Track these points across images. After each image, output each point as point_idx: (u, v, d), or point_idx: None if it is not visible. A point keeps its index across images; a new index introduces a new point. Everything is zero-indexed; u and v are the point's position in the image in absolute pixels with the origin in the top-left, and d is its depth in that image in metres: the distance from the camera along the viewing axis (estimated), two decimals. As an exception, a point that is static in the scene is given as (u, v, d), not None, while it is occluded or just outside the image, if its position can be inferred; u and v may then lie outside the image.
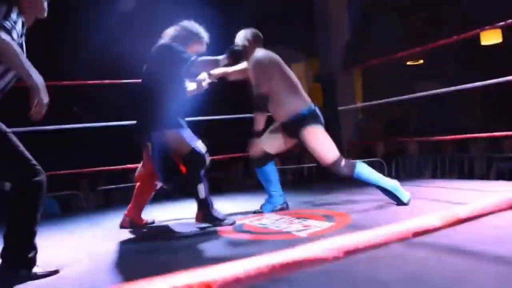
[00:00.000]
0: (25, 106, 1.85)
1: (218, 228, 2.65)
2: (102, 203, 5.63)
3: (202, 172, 2.69)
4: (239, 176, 6.94)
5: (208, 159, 2.75)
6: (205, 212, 2.69)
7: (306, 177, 6.46)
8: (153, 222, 3.12)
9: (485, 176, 5.62)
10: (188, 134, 2.74)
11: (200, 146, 2.73)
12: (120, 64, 6.97)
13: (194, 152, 2.68)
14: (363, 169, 2.93)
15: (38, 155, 1.99)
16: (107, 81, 4.53)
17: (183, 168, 2.72)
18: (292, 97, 3.01)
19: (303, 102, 3.02)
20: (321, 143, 2.96)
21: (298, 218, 2.75)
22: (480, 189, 3.37)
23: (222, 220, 2.71)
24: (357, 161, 3.05)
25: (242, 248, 2.24)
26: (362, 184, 3.91)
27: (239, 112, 4.97)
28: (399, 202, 2.88)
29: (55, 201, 5.11)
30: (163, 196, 4.10)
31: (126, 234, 2.83)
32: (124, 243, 2.59)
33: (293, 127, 3.00)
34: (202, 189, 2.67)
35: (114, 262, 2.18)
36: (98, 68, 6.66)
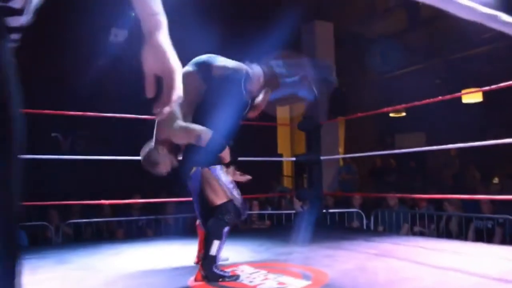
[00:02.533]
0: None
1: (190, 280, 2.53)
2: (73, 237, 5.44)
3: (227, 228, 2.50)
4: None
5: (245, 213, 2.61)
6: (207, 272, 2.45)
7: (284, 223, 6.37)
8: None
9: (463, 234, 5.62)
10: (225, 180, 2.57)
11: (237, 197, 2.56)
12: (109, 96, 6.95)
13: (228, 207, 2.51)
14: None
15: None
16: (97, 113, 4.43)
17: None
18: None
19: None
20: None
21: (274, 273, 2.65)
22: (460, 252, 3.33)
23: (225, 277, 2.49)
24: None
25: None
26: (343, 238, 3.87)
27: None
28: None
29: (23, 232, 4.92)
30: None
31: (93, 279, 2.69)
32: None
33: None
34: (216, 246, 2.45)
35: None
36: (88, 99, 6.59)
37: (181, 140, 2.61)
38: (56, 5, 5.01)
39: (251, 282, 2.47)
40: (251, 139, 6.61)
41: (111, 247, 3.89)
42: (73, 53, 6.68)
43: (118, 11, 6.52)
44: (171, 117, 2.50)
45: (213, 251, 2.44)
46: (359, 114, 5.19)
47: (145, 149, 2.67)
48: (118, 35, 6.87)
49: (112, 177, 6.55)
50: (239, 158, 2.83)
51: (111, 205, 5.99)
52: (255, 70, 2.75)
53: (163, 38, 0.98)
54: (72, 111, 4.25)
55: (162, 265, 3.01)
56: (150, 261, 3.17)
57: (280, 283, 2.41)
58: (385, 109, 4.99)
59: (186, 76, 2.60)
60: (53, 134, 7.84)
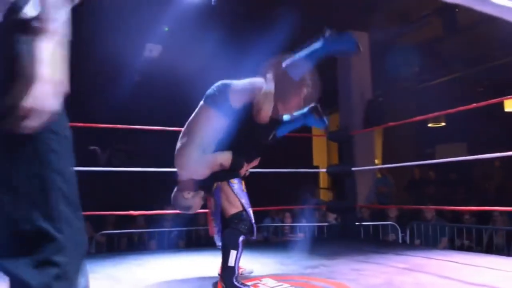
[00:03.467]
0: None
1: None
2: (105, 247, 5.55)
3: (243, 238, 2.47)
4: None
5: (255, 230, 2.57)
6: (227, 284, 2.41)
7: (317, 235, 6.27)
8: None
9: (505, 250, 5.36)
10: (243, 194, 2.57)
11: (251, 212, 2.54)
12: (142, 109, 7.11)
13: (243, 216, 2.49)
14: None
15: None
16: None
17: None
18: None
19: None
20: None
21: (296, 286, 2.59)
22: (497, 268, 3.16)
23: None
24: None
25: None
26: (374, 251, 3.76)
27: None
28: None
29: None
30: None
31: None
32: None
33: None
34: (234, 257, 2.41)
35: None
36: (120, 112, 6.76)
37: (204, 175, 2.60)
38: (93, 21, 5.19)
39: (270, 295, 2.42)
40: (286, 151, 6.59)
41: (139, 257, 3.93)
42: (109, 68, 6.87)
43: (152, 27, 6.68)
44: (186, 158, 2.53)
45: (231, 262, 2.41)
46: (392, 123, 5.05)
47: (174, 195, 2.70)
48: (153, 50, 7.03)
49: (146, 189, 6.65)
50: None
51: (144, 217, 6.08)
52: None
53: (44, 43, 0.90)
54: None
55: (186, 276, 3.00)
56: (175, 272, 3.17)
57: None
58: (423, 117, 4.83)
59: (203, 113, 2.60)
60: (91, 147, 8.06)
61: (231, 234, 2.45)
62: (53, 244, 0.93)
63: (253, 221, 2.53)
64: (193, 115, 2.67)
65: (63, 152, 0.99)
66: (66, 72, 0.93)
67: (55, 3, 0.93)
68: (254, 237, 2.59)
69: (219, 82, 2.65)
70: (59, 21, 0.93)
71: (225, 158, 2.52)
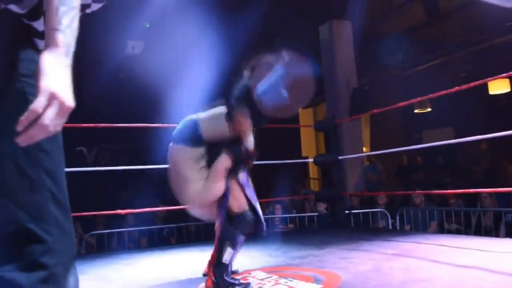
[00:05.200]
0: None
1: (200, 286, 2.50)
2: (96, 247, 5.51)
3: (242, 238, 2.43)
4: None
5: (264, 229, 2.51)
6: (218, 280, 2.38)
7: (307, 225, 6.29)
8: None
9: (493, 231, 5.42)
10: (250, 191, 2.54)
11: (259, 210, 2.51)
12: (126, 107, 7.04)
13: (246, 217, 2.45)
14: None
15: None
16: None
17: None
18: None
19: None
20: None
21: (285, 277, 2.59)
22: (484, 249, 3.18)
23: (235, 285, 2.40)
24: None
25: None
26: (364, 238, 3.78)
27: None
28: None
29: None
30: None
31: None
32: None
33: None
34: (229, 254, 2.38)
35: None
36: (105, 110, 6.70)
37: (220, 190, 2.48)
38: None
39: (260, 287, 2.42)
40: (275, 143, 6.58)
41: (130, 257, 3.91)
42: (90, 67, 6.80)
43: (134, 23, 6.60)
44: (197, 198, 2.47)
45: (226, 259, 2.37)
46: (377, 110, 5.06)
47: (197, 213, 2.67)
48: (135, 47, 6.95)
49: (134, 188, 6.61)
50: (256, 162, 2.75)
51: (134, 215, 6.04)
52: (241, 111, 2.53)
53: (50, 56, 0.88)
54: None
55: (175, 274, 2.99)
56: (164, 270, 3.17)
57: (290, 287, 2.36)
58: (406, 102, 4.83)
59: (179, 154, 2.50)
60: (78, 148, 8.00)
61: (231, 232, 2.41)
62: (42, 246, 0.91)
63: (261, 218, 2.49)
64: (169, 159, 2.57)
65: (54, 152, 0.97)
66: (71, 87, 0.90)
67: (67, 15, 0.91)
68: (265, 235, 2.55)
69: (186, 119, 2.57)
70: (69, 34, 0.91)
71: (224, 160, 2.46)
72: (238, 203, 2.46)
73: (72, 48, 0.93)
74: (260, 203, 2.66)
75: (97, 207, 4.74)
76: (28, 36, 0.91)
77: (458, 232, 5.53)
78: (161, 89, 6.43)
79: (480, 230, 5.48)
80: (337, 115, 7.35)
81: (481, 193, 5.87)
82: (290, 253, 3.48)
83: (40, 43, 0.93)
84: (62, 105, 0.86)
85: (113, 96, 7.09)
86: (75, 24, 0.94)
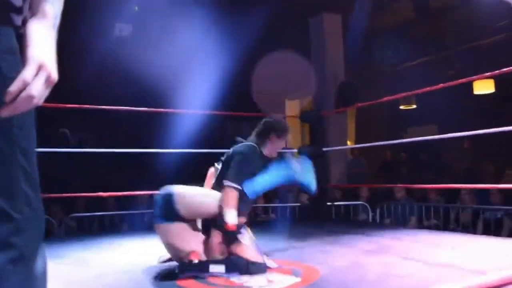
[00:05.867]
0: None
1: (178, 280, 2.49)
2: (76, 230, 5.48)
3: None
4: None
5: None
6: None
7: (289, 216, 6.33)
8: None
9: (471, 226, 5.53)
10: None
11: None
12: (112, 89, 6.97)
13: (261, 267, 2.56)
14: None
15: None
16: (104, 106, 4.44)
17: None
18: None
19: None
20: None
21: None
22: (461, 246, 3.25)
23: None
24: None
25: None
26: (345, 232, 3.82)
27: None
28: None
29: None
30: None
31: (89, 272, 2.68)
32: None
33: None
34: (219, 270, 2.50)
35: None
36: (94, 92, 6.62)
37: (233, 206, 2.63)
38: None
39: (239, 279, 2.43)
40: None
41: (111, 240, 3.90)
42: (78, 50, 6.70)
43: (122, 6, 6.51)
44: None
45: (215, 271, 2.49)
46: (362, 104, 5.08)
47: None
48: (123, 30, 6.86)
49: (118, 171, 6.58)
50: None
51: (115, 200, 6.01)
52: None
53: (38, 26, 0.88)
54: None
55: (155, 258, 2.98)
56: (146, 255, 3.15)
57: (268, 281, 2.37)
58: (391, 97, 4.87)
59: (166, 235, 2.59)
60: (61, 130, 7.90)
61: (240, 268, 2.51)
62: (12, 225, 0.88)
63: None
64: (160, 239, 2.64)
65: (27, 129, 0.94)
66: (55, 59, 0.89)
67: None
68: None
69: (163, 191, 2.61)
70: (56, 6, 0.92)
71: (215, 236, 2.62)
72: (252, 251, 2.60)
73: (58, 20, 0.93)
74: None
75: (79, 190, 4.72)
76: (5, 11, 0.89)
77: (437, 227, 5.63)
78: (150, 73, 6.38)
79: (459, 226, 5.59)
80: (323, 107, 7.38)
81: (461, 190, 5.97)
82: (271, 244, 3.49)
83: (17, 19, 0.91)
84: (49, 76, 0.85)
85: (101, 79, 7.01)
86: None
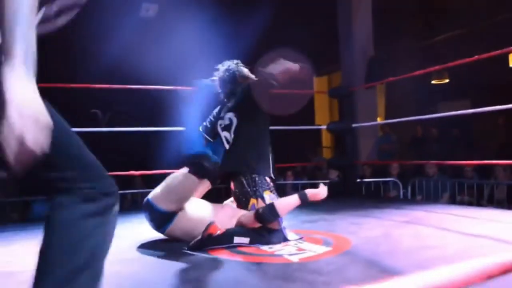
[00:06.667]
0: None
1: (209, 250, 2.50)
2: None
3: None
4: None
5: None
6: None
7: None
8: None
9: (506, 203, 5.39)
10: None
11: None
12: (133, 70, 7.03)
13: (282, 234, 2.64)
14: None
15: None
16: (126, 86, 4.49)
17: None
18: None
19: None
20: None
21: (293, 239, 2.61)
22: (496, 219, 3.17)
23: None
24: None
25: (232, 271, 2.10)
26: (375, 206, 3.77)
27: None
28: None
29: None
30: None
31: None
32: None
33: None
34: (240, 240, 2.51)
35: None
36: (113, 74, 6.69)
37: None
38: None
39: (270, 248, 2.44)
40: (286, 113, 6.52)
41: (142, 216, 3.95)
42: (105, 31, 6.75)
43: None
44: None
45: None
46: (392, 78, 4.96)
47: None
48: (149, 10, 6.86)
49: (146, 150, 6.65)
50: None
51: (144, 178, 6.09)
52: None
53: (9, 73, 0.85)
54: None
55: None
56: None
57: (299, 249, 2.37)
58: (423, 71, 4.73)
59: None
60: (92, 110, 8.03)
61: (259, 239, 2.54)
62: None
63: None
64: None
65: (58, 148, 0.99)
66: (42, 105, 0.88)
67: (21, 30, 0.87)
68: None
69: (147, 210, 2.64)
70: (25, 46, 0.88)
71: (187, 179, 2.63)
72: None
73: (32, 53, 0.89)
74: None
75: (111, 169, 4.78)
76: None
77: (470, 204, 5.51)
78: (175, 54, 6.38)
79: (493, 203, 5.45)
80: (352, 83, 7.25)
81: (495, 166, 5.81)
82: (301, 217, 3.49)
83: None
84: (33, 129, 0.85)
85: (128, 60, 7.06)
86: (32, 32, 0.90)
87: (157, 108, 7.24)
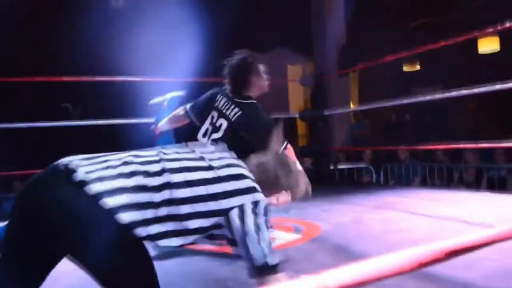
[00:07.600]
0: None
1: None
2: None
3: None
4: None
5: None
6: None
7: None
8: None
9: (474, 185, 5.52)
10: None
11: None
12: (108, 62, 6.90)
13: None
14: None
15: None
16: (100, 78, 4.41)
17: None
18: None
19: None
20: None
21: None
22: (464, 202, 3.24)
23: None
24: None
25: (201, 262, 2.10)
26: (347, 192, 3.81)
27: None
28: None
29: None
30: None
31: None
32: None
33: None
34: None
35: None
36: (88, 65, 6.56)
37: None
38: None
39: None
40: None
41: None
42: (74, 22, 6.59)
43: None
44: None
45: None
46: (363, 65, 5.01)
47: None
48: (118, 0, 6.71)
49: (118, 143, 6.56)
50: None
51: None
52: None
53: None
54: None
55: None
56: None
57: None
58: (395, 56, 4.78)
59: None
60: (63, 105, 7.87)
61: None
62: None
63: None
64: None
65: None
66: None
67: None
68: None
69: None
70: None
71: None
72: None
73: None
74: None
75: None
76: None
77: (435, 187, 5.62)
78: (146, 45, 6.29)
79: (462, 185, 5.58)
80: (325, 71, 7.27)
81: (465, 150, 5.94)
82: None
83: None
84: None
85: (98, 51, 6.93)
86: None
87: (128, 100, 7.15)
